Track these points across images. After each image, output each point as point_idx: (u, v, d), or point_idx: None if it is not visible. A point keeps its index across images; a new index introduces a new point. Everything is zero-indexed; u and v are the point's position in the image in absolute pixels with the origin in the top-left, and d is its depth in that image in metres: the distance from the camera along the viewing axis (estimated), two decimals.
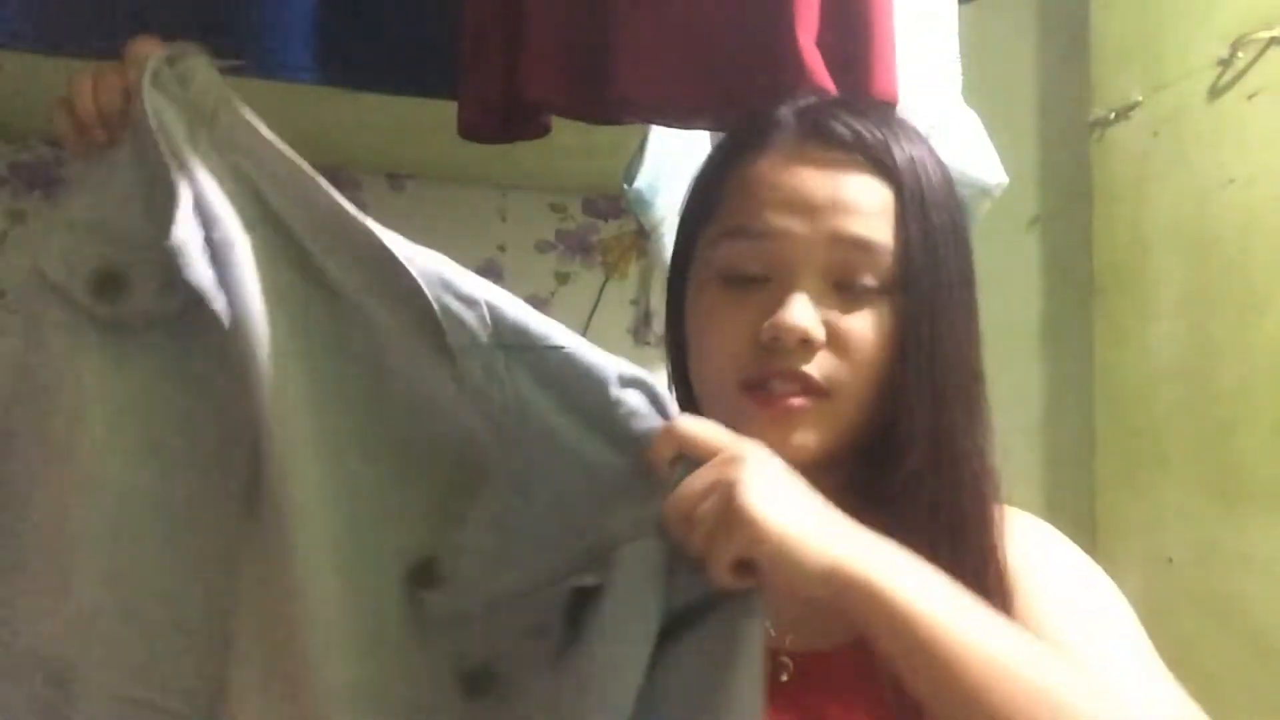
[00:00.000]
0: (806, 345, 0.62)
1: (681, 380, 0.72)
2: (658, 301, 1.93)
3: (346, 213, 0.60)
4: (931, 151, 0.68)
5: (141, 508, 0.57)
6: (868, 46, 0.88)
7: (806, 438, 0.63)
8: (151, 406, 0.58)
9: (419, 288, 0.60)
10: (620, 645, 0.53)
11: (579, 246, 1.83)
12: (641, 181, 1.19)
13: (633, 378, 0.57)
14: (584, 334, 1.95)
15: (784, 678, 0.62)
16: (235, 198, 0.58)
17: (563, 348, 0.58)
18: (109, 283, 0.58)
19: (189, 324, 0.58)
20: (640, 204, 1.21)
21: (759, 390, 0.63)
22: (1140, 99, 1.49)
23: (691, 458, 0.55)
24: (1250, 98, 1.31)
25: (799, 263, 0.63)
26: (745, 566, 0.52)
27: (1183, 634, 1.35)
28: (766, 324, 0.62)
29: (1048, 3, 1.75)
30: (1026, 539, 0.68)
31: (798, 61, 0.86)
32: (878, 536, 0.54)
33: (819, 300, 0.63)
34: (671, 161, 1.22)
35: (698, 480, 0.53)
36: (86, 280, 0.58)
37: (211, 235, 0.56)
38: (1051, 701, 0.50)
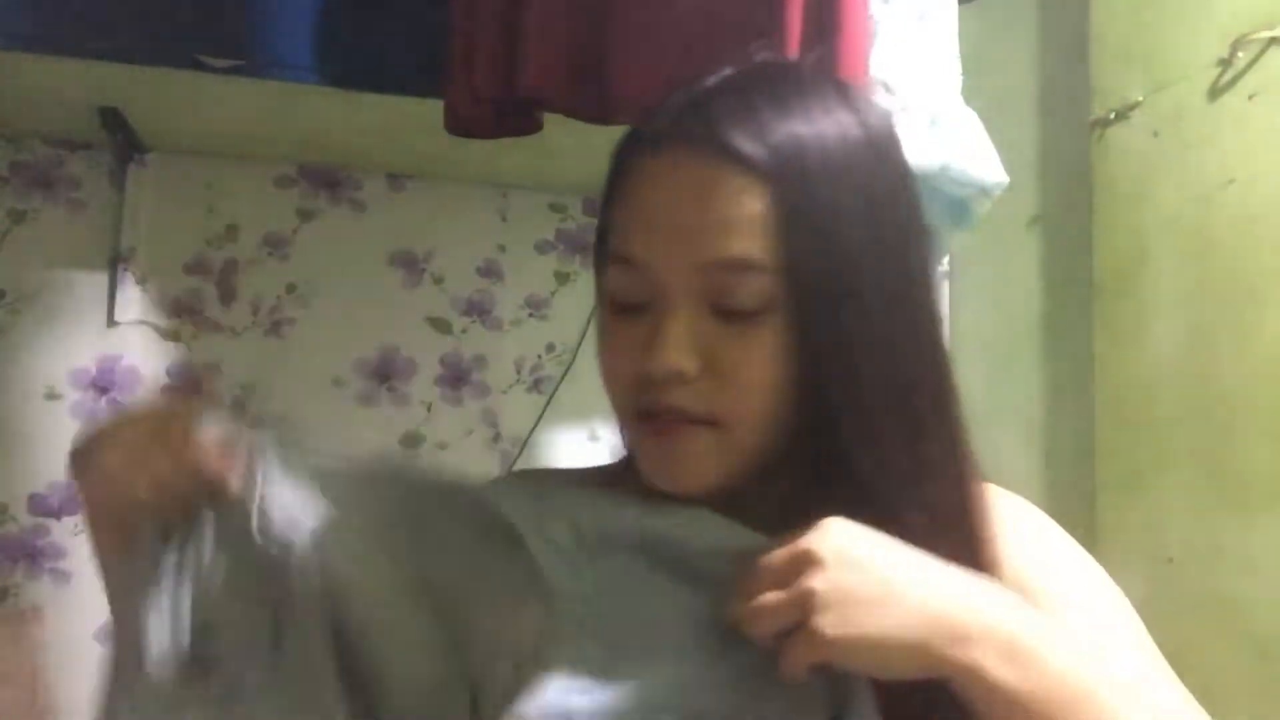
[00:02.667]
0: (681, 378, 0.57)
1: None
2: None
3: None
4: (849, 119, 0.59)
5: None
6: (838, 31, 0.89)
7: (699, 467, 0.59)
8: None
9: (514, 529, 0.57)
10: None
11: (579, 246, 1.83)
12: None
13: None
14: (584, 333, 1.94)
15: None
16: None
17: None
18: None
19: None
20: None
21: (651, 419, 0.59)
22: (1140, 99, 1.48)
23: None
24: (1250, 98, 1.31)
25: (671, 291, 0.58)
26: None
27: (1183, 634, 1.35)
28: (642, 365, 0.58)
29: (1048, 3, 1.75)
30: (1016, 522, 0.65)
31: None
32: (968, 585, 0.53)
33: (697, 326, 0.57)
34: None
35: (771, 573, 0.53)
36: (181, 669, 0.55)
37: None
38: None
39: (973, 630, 0.50)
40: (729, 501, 0.60)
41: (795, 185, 0.56)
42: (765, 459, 0.60)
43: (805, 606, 0.50)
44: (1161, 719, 0.54)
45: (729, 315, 0.57)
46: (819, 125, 0.58)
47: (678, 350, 0.57)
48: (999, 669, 0.50)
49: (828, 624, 0.50)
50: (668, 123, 0.60)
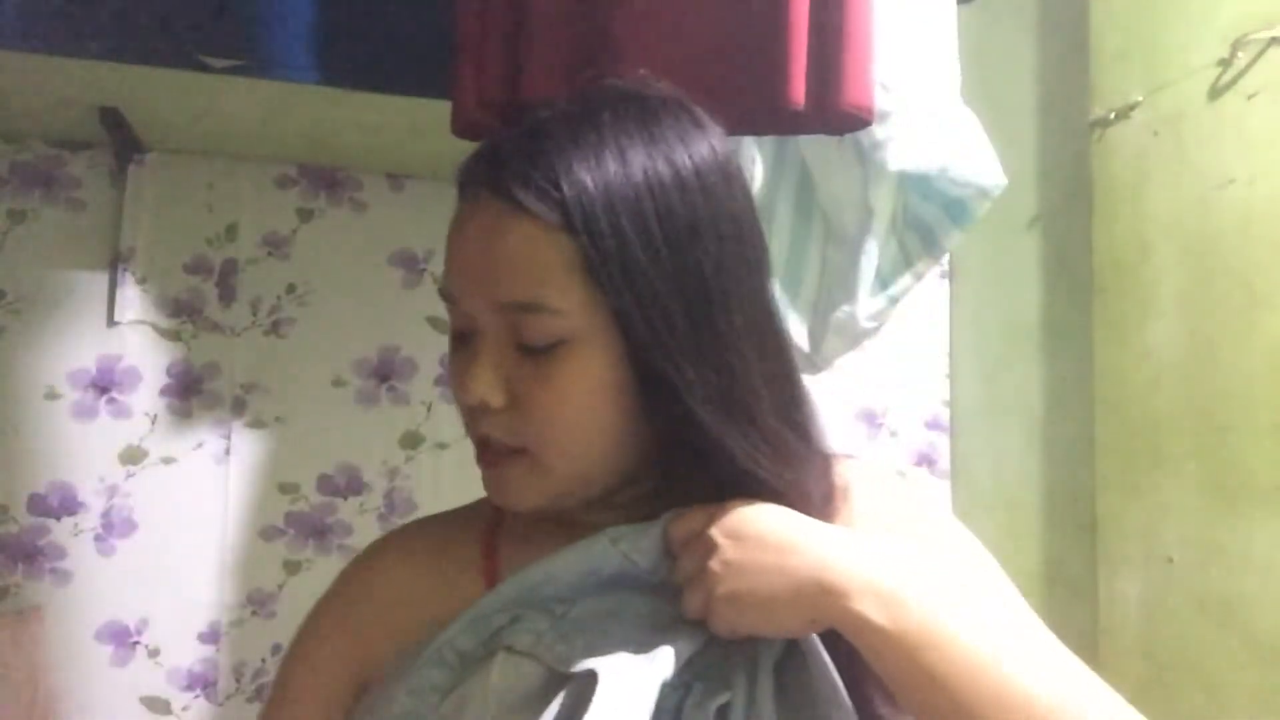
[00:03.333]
0: (487, 409, 0.62)
1: None
2: None
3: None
4: (651, 159, 0.60)
5: None
6: (842, 58, 0.89)
7: (522, 491, 0.64)
8: None
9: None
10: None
11: None
12: None
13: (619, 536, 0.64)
14: None
15: None
16: None
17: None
18: None
19: None
20: None
21: (479, 446, 0.65)
22: (1140, 99, 1.49)
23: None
24: (1250, 98, 1.31)
25: (476, 327, 0.63)
26: None
27: (1182, 634, 1.35)
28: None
29: (1048, 3, 1.75)
30: (877, 498, 0.70)
31: (784, 76, 0.87)
32: (846, 544, 0.59)
33: (502, 360, 0.62)
34: None
35: (685, 560, 0.61)
36: None
37: None
38: None
39: (850, 583, 0.57)
40: (598, 505, 0.66)
41: (580, 233, 0.58)
42: (611, 468, 0.64)
43: (708, 583, 0.59)
44: (1022, 652, 0.58)
45: (529, 351, 0.61)
46: (608, 171, 0.59)
47: (484, 384, 0.61)
48: (874, 614, 0.56)
49: (722, 594, 0.58)
50: (472, 170, 0.63)
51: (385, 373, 1.72)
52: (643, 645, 0.59)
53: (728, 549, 0.59)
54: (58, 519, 1.57)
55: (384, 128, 1.50)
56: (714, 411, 0.61)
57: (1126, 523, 1.49)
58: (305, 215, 1.72)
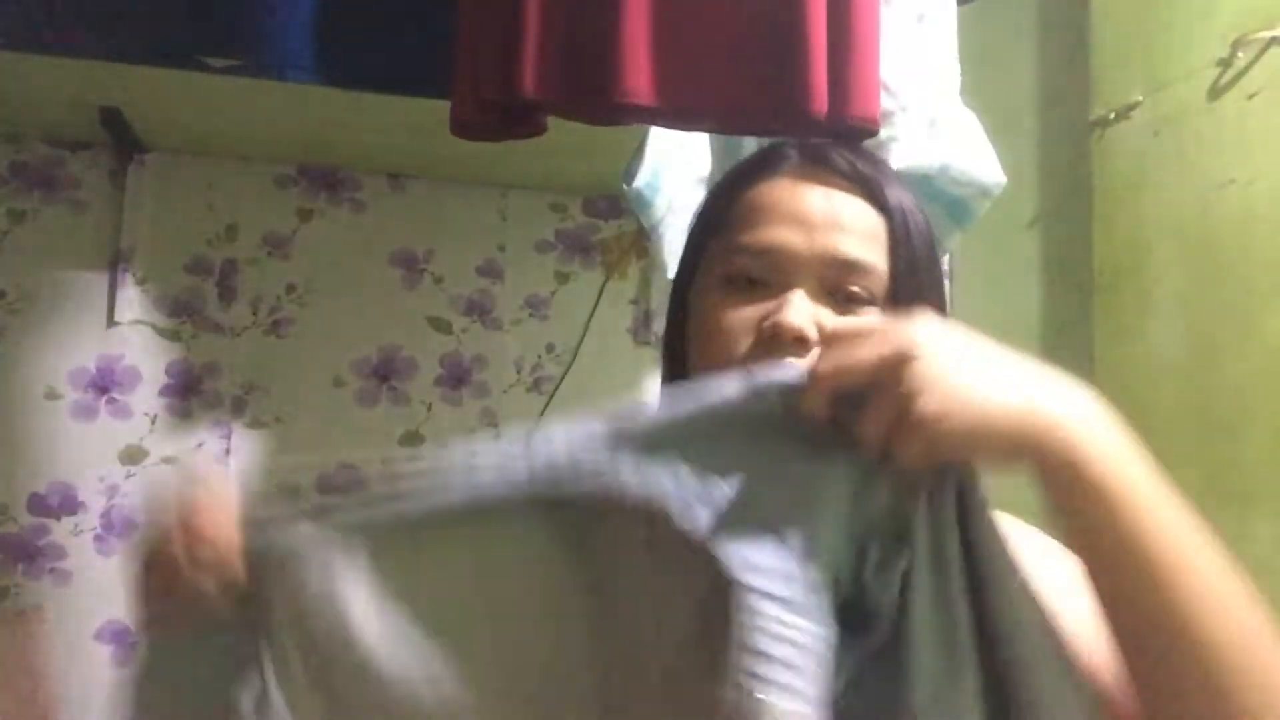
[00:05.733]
0: (802, 342, 0.66)
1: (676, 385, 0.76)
2: (657, 301, 1.93)
3: None
4: (912, 196, 0.75)
5: None
6: (851, 71, 0.89)
7: None
8: None
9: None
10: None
11: (579, 246, 1.83)
12: (641, 181, 1.19)
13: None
14: (584, 334, 1.93)
15: None
16: None
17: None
18: None
19: None
20: (640, 203, 1.21)
21: None
22: (1140, 99, 1.48)
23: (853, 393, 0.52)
24: (1250, 98, 1.31)
25: (796, 272, 0.69)
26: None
27: None
28: (767, 321, 0.67)
29: (1048, 3, 1.75)
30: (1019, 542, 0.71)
31: (805, 81, 0.87)
32: (1058, 380, 0.58)
33: (815, 305, 0.69)
34: (671, 161, 1.22)
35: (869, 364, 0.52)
36: None
37: None
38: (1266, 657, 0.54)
39: (1068, 414, 0.56)
40: None
41: (898, 217, 0.72)
42: None
43: (906, 395, 0.51)
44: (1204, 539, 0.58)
45: (839, 303, 0.69)
46: (900, 184, 0.74)
47: (804, 317, 0.67)
48: (1088, 447, 0.54)
49: (928, 411, 0.50)
50: (803, 152, 0.75)
51: (385, 373, 1.72)
52: (806, 524, 0.50)
53: (932, 360, 0.51)
54: (58, 519, 1.57)
55: (384, 128, 1.50)
56: None
57: None
58: (305, 215, 1.72)
